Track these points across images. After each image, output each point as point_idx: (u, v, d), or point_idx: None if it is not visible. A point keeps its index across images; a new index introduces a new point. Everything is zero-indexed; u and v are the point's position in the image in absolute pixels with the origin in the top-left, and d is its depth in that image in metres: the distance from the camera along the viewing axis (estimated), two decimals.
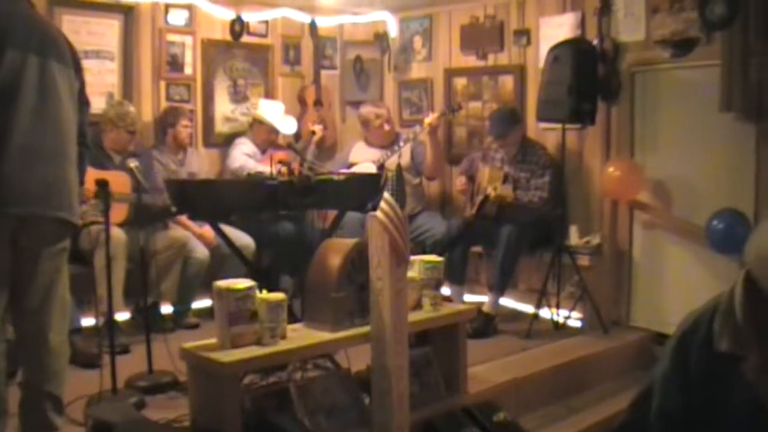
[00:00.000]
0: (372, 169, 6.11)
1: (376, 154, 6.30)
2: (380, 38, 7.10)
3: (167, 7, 6.11)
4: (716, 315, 1.95)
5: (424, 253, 5.42)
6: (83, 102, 3.40)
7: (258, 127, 6.23)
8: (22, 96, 3.04)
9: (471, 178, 5.87)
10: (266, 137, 6.24)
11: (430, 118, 5.98)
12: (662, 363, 2.08)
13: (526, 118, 6.09)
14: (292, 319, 3.75)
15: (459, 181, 5.93)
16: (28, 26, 3.12)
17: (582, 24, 5.76)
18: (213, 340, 3.40)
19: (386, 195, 3.37)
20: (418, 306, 3.99)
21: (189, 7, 6.22)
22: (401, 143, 6.20)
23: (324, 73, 7.00)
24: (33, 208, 3.04)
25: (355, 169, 6.13)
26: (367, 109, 6.44)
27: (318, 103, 6.87)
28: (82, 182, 3.48)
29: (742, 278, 1.87)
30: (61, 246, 3.19)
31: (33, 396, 3.15)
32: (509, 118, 5.75)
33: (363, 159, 6.32)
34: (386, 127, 6.34)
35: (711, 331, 1.94)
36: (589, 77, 5.39)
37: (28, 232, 3.06)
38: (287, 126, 6.34)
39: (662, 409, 2.02)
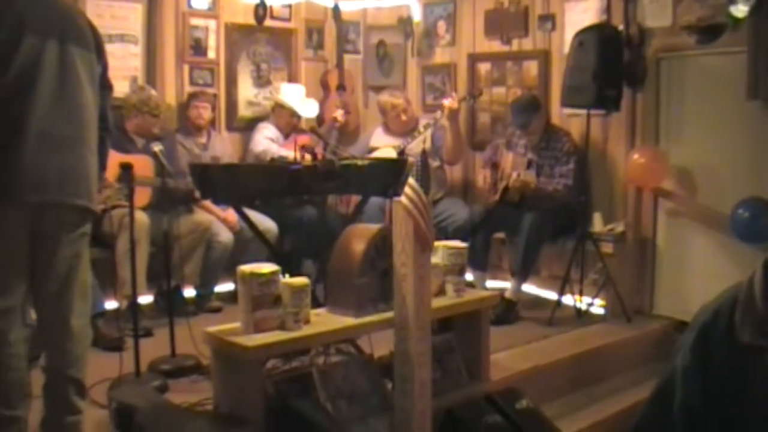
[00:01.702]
0: (392, 154, 6.10)
1: (395, 140, 6.28)
2: (404, 23, 7.06)
3: None
4: (737, 305, 1.92)
5: (446, 239, 5.41)
6: (106, 86, 3.38)
7: (279, 112, 6.23)
8: (41, 82, 3.01)
9: (495, 165, 5.83)
10: (288, 121, 6.24)
11: (449, 102, 5.93)
12: (682, 355, 2.05)
13: (550, 104, 6.06)
14: (315, 304, 3.76)
15: (483, 176, 5.89)
16: (47, 11, 3.10)
17: (607, 9, 5.70)
18: (236, 325, 3.40)
19: (411, 180, 3.35)
20: (441, 292, 3.98)
21: None
22: (421, 129, 6.18)
23: (347, 57, 7.00)
24: (51, 196, 3.02)
25: (375, 155, 6.12)
26: (384, 98, 6.42)
27: (341, 87, 6.86)
28: (103, 167, 3.47)
29: (762, 266, 1.84)
30: (81, 231, 3.18)
31: (56, 380, 3.16)
32: (530, 106, 5.71)
33: (383, 144, 6.31)
34: (403, 118, 6.31)
35: (732, 322, 1.91)
36: (614, 63, 5.34)
37: (46, 219, 3.05)
38: (308, 109, 6.34)
39: (686, 403, 1.99)
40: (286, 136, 6.18)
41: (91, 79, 3.21)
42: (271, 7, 6.50)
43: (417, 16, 7.02)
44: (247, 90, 6.55)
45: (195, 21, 6.18)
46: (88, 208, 3.16)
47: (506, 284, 5.67)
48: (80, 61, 3.14)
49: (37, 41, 3.02)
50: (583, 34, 5.40)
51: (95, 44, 3.26)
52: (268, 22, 6.54)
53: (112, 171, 4.01)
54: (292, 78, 6.71)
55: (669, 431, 2.00)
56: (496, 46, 6.56)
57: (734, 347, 1.88)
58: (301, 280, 3.46)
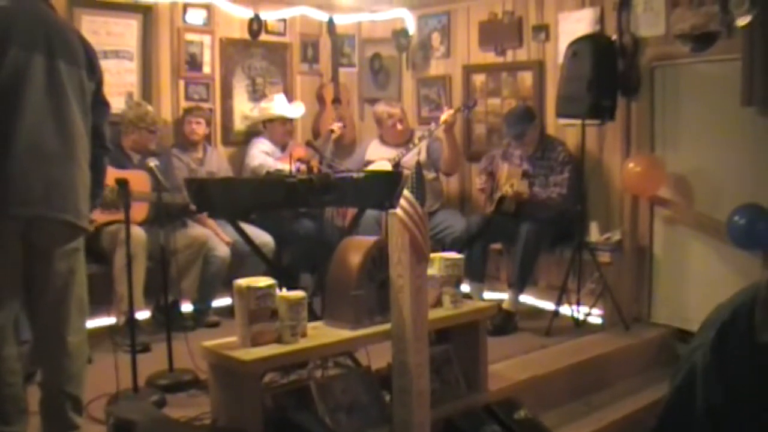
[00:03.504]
0: (387, 167, 6.10)
1: (391, 152, 6.29)
2: (398, 35, 7.08)
3: (185, 6, 6.14)
4: (756, 305, 1.91)
5: (444, 250, 5.41)
6: (102, 103, 3.37)
7: (271, 125, 6.24)
8: (27, 95, 3.00)
9: (491, 175, 5.84)
10: (281, 131, 6.24)
11: (445, 115, 5.95)
12: (702, 354, 2.03)
13: (545, 114, 6.07)
14: (313, 317, 3.75)
15: (479, 180, 5.90)
16: (35, 25, 3.08)
17: (601, 19, 5.73)
18: (233, 339, 3.40)
19: (406, 192, 3.36)
20: (438, 303, 3.99)
21: (207, 7, 6.25)
22: (416, 141, 6.19)
23: (342, 71, 7.01)
24: (37, 210, 3.01)
25: (371, 168, 6.12)
26: (380, 108, 6.43)
27: (336, 101, 6.87)
28: (101, 184, 3.47)
29: None
30: (73, 246, 3.17)
31: (52, 396, 3.16)
32: (524, 118, 5.72)
33: (378, 157, 6.32)
34: (399, 127, 6.32)
35: (752, 323, 1.91)
36: (608, 72, 5.36)
37: (36, 233, 3.05)
38: (295, 110, 6.36)
39: (709, 402, 1.98)
40: (282, 148, 6.19)
41: (79, 95, 3.18)
42: (265, 21, 6.52)
43: (411, 28, 7.04)
44: (242, 104, 6.56)
45: (190, 36, 6.20)
46: (75, 223, 3.14)
47: (504, 295, 5.67)
48: (68, 77, 3.12)
49: (23, 55, 3.01)
50: (577, 44, 5.42)
51: (87, 61, 3.24)
52: (263, 37, 6.56)
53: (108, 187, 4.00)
54: (287, 92, 6.71)
55: (693, 431, 2.00)
56: (490, 57, 6.57)
57: (754, 347, 1.88)
58: (297, 294, 3.46)
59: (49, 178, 3.04)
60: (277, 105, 6.23)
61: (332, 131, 6.49)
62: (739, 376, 1.91)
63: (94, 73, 3.30)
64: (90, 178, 3.27)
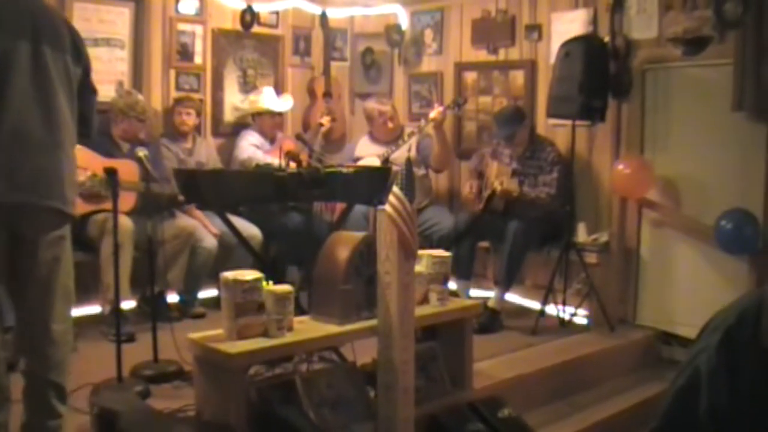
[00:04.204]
0: (377, 163, 6.10)
1: (381, 149, 6.28)
2: (391, 31, 7.07)
3: None
4: (762, 311, 1.93)
5: (431, 247, 5.41)
6: (90, 90, 3.35)
7: (260, 118, 6.23)
8: (13, 82, 2.96)
9: (480, 174, 5.85)
10: (270, 124, 6.23)
11: (433, 113, 5.94)
12: (707, 357, 2.04)
13: (536, 114, 6.08)
14: (299, 311, 3.75)
15: (468, 185, 5.88)
16: (19, 11, 3.04)
17: (594, 20, 5.74)
18: (219, 331, 3.40)
19: (395, 189, 3.36)
20: (425, 300, 3.99)
21: None
22: (406, 137, 6.18)
23: (334, 64, 7.00)
24: (23, 197, 2.98)
25: (360, 164, 6.12)
26: (371, 105, 6.43)
27: (327, 94, 6.86)
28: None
29: None
30: (58, 234, 3.14)
31: (36, 384, 3.14)
32: (514, 118, 5.72)
33: (368, 153, 6.31)
34: (389, 125, 6.32)
35: (758, 328, 1.92)
36: (600, 74, 5.37)
37: (22, 221, 3.03)
38: (283, 104, 6.36)
39: (713, 405, 1.99)
40: (271, 141, 6.18)
41: (66, 82, 3.14)
42: (258, 13, 6.50)
43: (404, 24, 7.03)
44: (233, 96, 6.53)
45: (182, 26, 6.17)
46: (62, 210, 3.11)
47: (490, 293, 5.68)
48: (53, 64, 3.08)
49: (8, 41, 2.97)
50: (569, 45, 5.43)
51: (72, 46, 3.20)
52: (256, 29, 6.54)
53: (96, 173, 3.96)
54: (278, 84, 6.70)
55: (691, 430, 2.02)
56: (482, 55, 6.58)
57: (760, 352, 1.89)
58: (284, 288, 3.46)
59: (35, 165, 3.01)
60: (266, 98, 6.22)
61: (321, 125, 6.48)
62: (745, 380, 1.93)
63: (80, 59, 3.24)
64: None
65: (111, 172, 3.95)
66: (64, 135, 3.12)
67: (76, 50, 3.22)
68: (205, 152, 6.00)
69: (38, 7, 3.16)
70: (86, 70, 3.31)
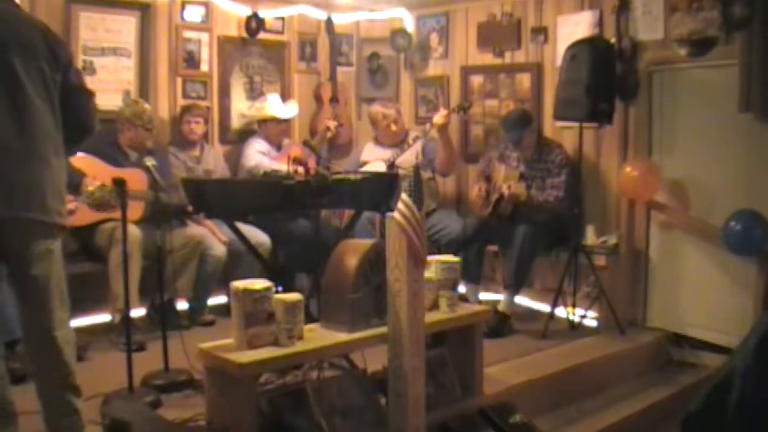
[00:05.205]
0: (382, 167, 6.10)
1: (386, 153, 6.28)
2: (397, 35, 7.07)
3: (183, 3, 6.12)
4: None
5: (439, 251, 5.41)
6: (78, 91, 3.29)
7: (266, 125, 6.23)
8: None
9: (488, 178, 5.84)
10: (276, 130, 6.24)
11: (437, 117, 5.93)
12: (743, 356, 2.18)
13: (542, 117, 6.08)
14: (309, 319, 3.75)
15: (477, 188, 5.87)
16: None
17: (600, 22, 5.73)
18: (229, 341, 3.40)
19: (404, 196, 3.36)
20: (434, 306, 3.98)
21: (205, 4, 6.23)
22: (410, 141, 6.18)
23: (340, 70, 6.99)
24: (1, 212, 2.98)
25: (366, 168, 6.11)
26: (375, 109, 6.43)
27: (334, 100, 6.86)
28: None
29: None
30: (45, 248, 3.10)
31: (48, 384, 3.15)
32: (521, 122, 5.71)
33: (373, 158, 6.31)
34: (393, 128, 6.31)
35: None
36: (606, 76, 5.36)
37: (3, 235, 3.02)
38: (289, 110, 6.35)
39: (743, 402, 2.11)
40: (278, 148, 6.18)
41: (42, 90, 3.10)
42: (264, 19, 6.50)
43: (410, 28, 7.04)
44: (240, 103, 6.53)
45: (188, 34, 6.18)
46: (43, 221, 3.08)
47: (499, 296, 5.67)
48: (26, 74, 3.04)
49: None
50: (575, 47, 5.42)
51: (48, 52, 3.13)
52: (261, 35, 6.54)
53: (105, 184, 3.95)
54: (285, 90, 6.70)
55: (720, 421, 2.15)
56: (488, 58, 6.58)
57: None
58: (294, 296, 3.46)
59: (10, 176, 2.99)
60: (271, 105, 6.22)
61: (328, 129, 6.47)
62: None
63: (57, 63, 3.17)
64: (65, 166, 3.23)
65: (120, 183, 3.95)
66: (42, 144, 3.08)
67: (52, 55, 3.16)
68: (213, 160, 6.01)
69: (8, 18, 3.10)
70: (67, 73, 3.24)
